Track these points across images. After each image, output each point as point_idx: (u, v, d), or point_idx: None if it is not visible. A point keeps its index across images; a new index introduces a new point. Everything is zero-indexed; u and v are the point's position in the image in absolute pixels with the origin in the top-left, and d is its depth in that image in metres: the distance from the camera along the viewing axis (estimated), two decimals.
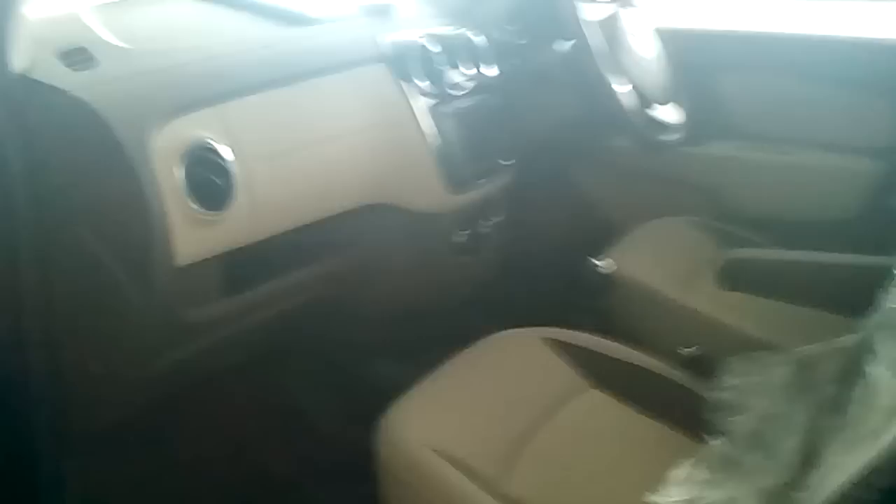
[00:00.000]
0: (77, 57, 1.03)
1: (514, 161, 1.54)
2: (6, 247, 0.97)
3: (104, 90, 0.99)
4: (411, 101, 1.34)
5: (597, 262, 1.43)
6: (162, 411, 1.19)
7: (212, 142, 1.02)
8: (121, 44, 1.08)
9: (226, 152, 1.03)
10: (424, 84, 1.35)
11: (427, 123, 1.35)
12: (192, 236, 1.01)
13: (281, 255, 1.18)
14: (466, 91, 1.44)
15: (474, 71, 1.45)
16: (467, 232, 1.48)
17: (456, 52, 1.42)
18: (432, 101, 1.37)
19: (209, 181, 1.00)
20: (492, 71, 1.49)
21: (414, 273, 1.44)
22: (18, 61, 0.98)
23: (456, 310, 1.55)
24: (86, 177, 0.98)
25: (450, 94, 1.40)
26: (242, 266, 1.13)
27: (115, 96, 0.99)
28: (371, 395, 1.12)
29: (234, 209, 1.04)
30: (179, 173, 0.98)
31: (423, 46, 1.37)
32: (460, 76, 1.43)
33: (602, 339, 1.21)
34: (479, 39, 1.48)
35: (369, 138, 1.28)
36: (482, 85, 1.46)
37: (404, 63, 1.34)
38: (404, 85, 1.34)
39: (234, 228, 1.06)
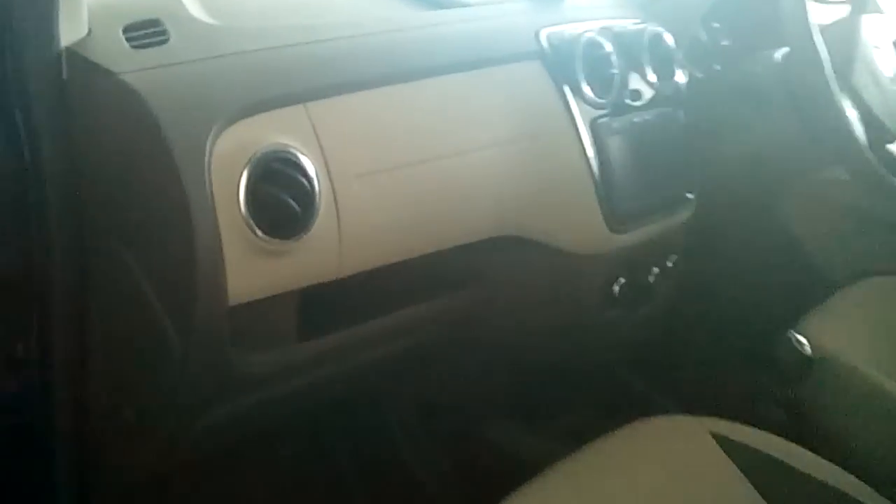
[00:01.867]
0: (145, 30, 0.79)
1: (695, 194, 1.18)
2: (35, 264, 0.74)
3: (162, 75, 0.74)
4: (572, 110, 1.02)
5: (797, 336, 1.05)
6: (207, 472, 0.94)
7: (293, 150, 0.75)
8: (206, 18, 0.84)
9: (309, 165, 0.76)
10: (591, 90, 1.03)
11: (589, 139, 1.04)
12: (252, 269, 0.75)
13: (375, 294, 0.90)
14: (644, 102, 1.11)
15: (656, 78, 1.10)
16: (626, 281, 1.13)
17: (635, 52, 1.10)
18: (598, 113, 1.05)
19: (280, 201, 0.73)
20: (679, 78, 1.13)
21: (549, 326, 1.12)
22: (71, 32, 0.75)
23: (601, 372, 1.21)
24: (130, 186, 0.74)
25: (622, 105, 1.08)
26: (322, 305, 0.86)
27: (173, 84, 0.74)
28: (487, 464, 0.82)
29: (312, 238, 0.77)
30: (242, 188, 0.72)
31: (594, 42, 1.04)
32: (638, 82, 1.11)
33: (793, 446, 0.89)
34: (666, 38, 1.12)
35: (511, 153, 0.98)
36: (664, 95, 1.13)
37: (568, 62, 1.03)
38: (566, 90, 1.03)
39: (311, 262, 0.79)
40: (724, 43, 1.33)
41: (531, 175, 1.00)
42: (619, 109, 1.08)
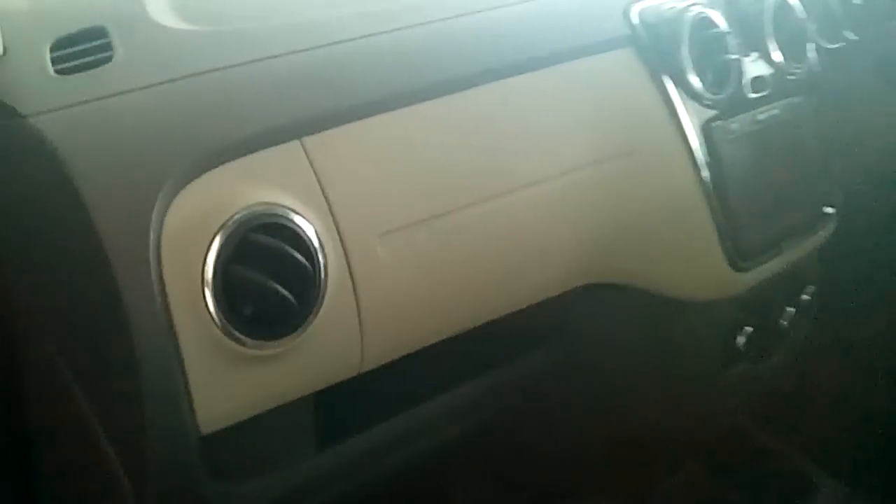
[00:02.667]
0: (82, 45, 0.56)
1: (836, 207, 0.89)
2: None
3: (90, 114, 0.51)
4: (679, 113, 0.76)
5: None
6: None
7: (284, 211, 0.51)
8: (172, 21, 0.60)
9: (308, 229, 0.51)
10: (702, 83, 0.76)
11: (702, 150, 0.76)
12: (232, 384, 0.52)
13: (421, 371, 0.66)
14: (768, 92, 0.82)
15: (782, 58, 0.82)
16: (753, 329, 0.85)
17: (755, 27, 0.83)
18: (712, 113, 0.78)
19: (265, 290, 0.48)
20: (812, 58, 0.84)
21: (653, 392, 0.85)
22: None
23: (723, 434, 0.94)
24: (55, 274, 0.51)
25: (742, 100, 0.81)
26: (350, 395, 0.62)
27: (105, 126, 0.50)
28: None
29: (317, 332, 0.53)
30: (208, 274, 0.48)
31: (703, 19, 0.76)
32: (761, 67, 0.83)
33: None
34: (793, 3, 0.84)
35: (598, 179, 0.72)
36: (793, 81, 0.85)
37: (670, 48, 0.76)
38: (669, 85, 0.76)
39: (317, 363, 0.55)
40: (857, 1, 1.03)
41: (626, 204, 0.73)
42: (738, 106, 0.80)
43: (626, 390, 0.85)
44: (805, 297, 0.93)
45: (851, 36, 1.06)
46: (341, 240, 0.54)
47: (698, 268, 0.78)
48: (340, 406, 0.64)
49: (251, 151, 0.52)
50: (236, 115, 0.53)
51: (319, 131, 0.55)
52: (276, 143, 0.53)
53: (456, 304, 0.62)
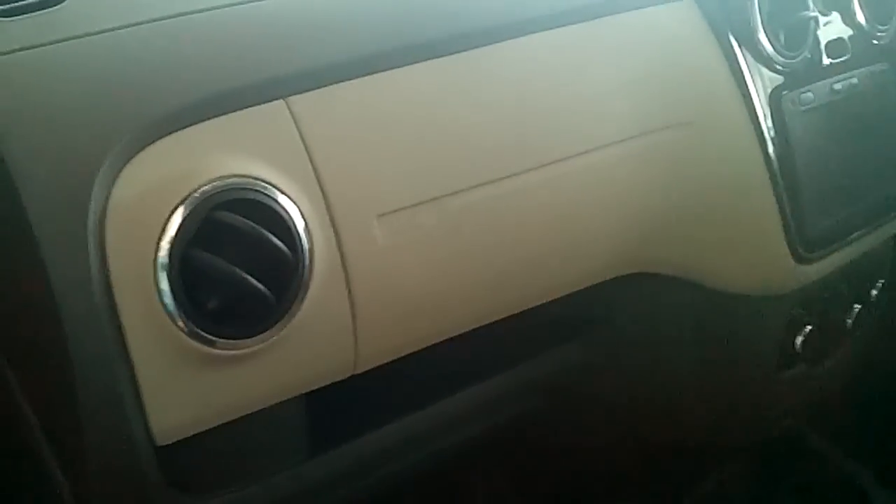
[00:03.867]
0: None
1: None
2: None
3: (25, 64, 0.41)
4: (745, 78, 0.63)
5: None
6: None
7: (262, 184, 0.41)
8: None
9: (290, 208, 0.41)
10: (773, 45, 0.63)
11: (769, 123, 0.64)
12: (194, 388, 0.42)
13: (435, 364, 0.55)
14: (848, 58, 0.69)
15: (865, 19, 0.69)
16: (814, 328, 0.73)
17: None
18: (783, 80, 0.65)
19: (234, 281, 0.39)
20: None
21: (702, 394, 0.73)
22: None
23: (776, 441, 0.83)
24: None
25: (818, 66, 0.69)
26: (349, 393, 0.52)
27: (38, 81, 0.40)
28: None
29: (301, 326, 0.44)
30: (161, 262, 0.38)
31: None
32: (841, 29, 0.70)
33: None
34: None
35: (646, 153, 0.60)
36: (878, 46, 0.72)
37: (736, 2, 0.62)
38: (735, 46, 0.64)
39: (301, 363, 0.46)
40: None
41: (678, 184, 0.61)
42: (813, 73, 0.68)
43: (667, 390, 0.74)
44: (874, 292, 0.80)
45: None
46: (332, 221, 0.44)
47: (757, 259, 0.66)
48: (342, 405, 0.54)
49: (223, 112, 0.42)
50: (206, 68, 0.42)
51: (310, 90, 0.44)
52: (255, 103, 0.43)
53: (469, 297, 0.52)
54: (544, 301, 0.58)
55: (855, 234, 0.71)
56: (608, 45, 0.58)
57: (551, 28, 0.56)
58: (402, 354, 0.50)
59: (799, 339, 0.73)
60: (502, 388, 0.66)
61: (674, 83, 0.61)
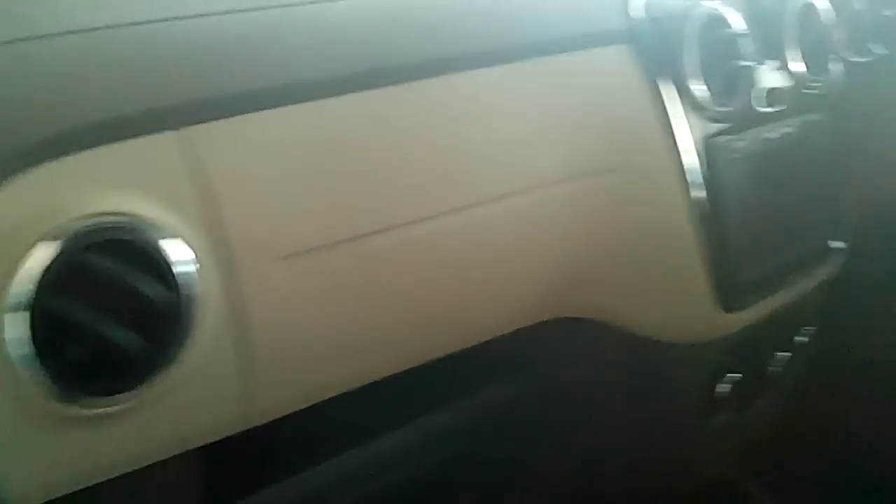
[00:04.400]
0: None
1: (847, 241, 0.75)
2: None
3: None
4: (676, 125, 0.61)
5: None
6: None
7: (145, 223, 0.37)
8: None
9: (180, 249, 0.38)
10: (708, 92, 0.62)
11: (700, 170, 0.63)
12: (50, 451, 0.39)
13: (345, 411, 0.52)
14: (784, 107, 0.68)
15: (804, 68, 0.68)
16: (740, 375, 0.72)
17: (774, 31, 0.69)
18: (717, 127, 0.64)
19: (98, 333, 0.35)
20: (834, 69, 0.69)
21: (626, 441, 0.71)
22: None
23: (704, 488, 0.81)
24: None
25: (753, 114, 0.67)
26: (251, 446, 0.49)
27: None
28: None
29: (186, 378, 0.41)
30: (15, 306, 0.34)
31: (715, 17, 0.62)
32: (778, 78, 0.68)
33: None
34: (820, 7, 0.69)
35: (572, 196, 0.58)
36: (812, 96, 0.71)
37: (673, 48, 0.62)
38: (667, 90, 0.62)
39: (185, 417, 0.42)
40: (888, 13, 0.89)
41: (605, 230, 0.60)
42: (747, 120, 0.66)
43: (594, 436, 0.72)
44: (801, 338, 0.79)
45: (880, 50, 0.92)
46: (229, 263, 0.41)
47: (682, 307, 0.64)
48: (241, 459, 0.51)
49: (108, 141, 0.38)
50: (91, 90, 0.39)
51: (209, 121, 0.41)
52: (146, 133, 0.39)
53: (382, 344, 0.49)
54: (463, 347, 0.56)
55: (782, 284, 0.71)
56: (537, 87, 0.56)
57: (480, 67, 0.53)
58: (308, 404, 0.47)
59: (723, 387, 0.71)
60: (422, 434, 0.63)
61: (604, 128, 0.59)
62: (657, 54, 0.61)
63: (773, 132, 0.69)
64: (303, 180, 0.44)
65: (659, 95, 0.61)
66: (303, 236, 0.44)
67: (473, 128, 0.52)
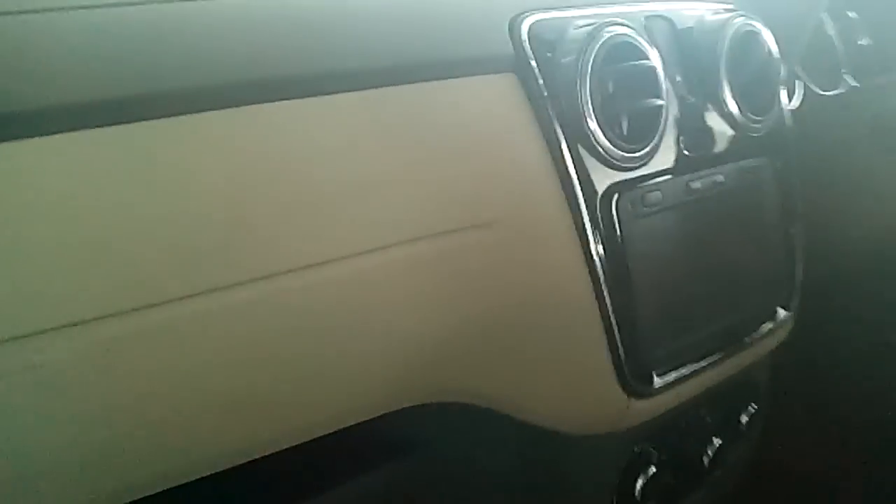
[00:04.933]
0: None
1: (795, 306, 0.64)
2: None
3: None
4: (570, 172, 0.51)
5: None
6: None
7: None
8: None
9: None
10: (611, 135, 0.52)
11: (599, 228, 0.52)
12: None
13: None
14: (717, 152, 0.60)
15: (738, 109, 0.60)
16: (658, 470, 0.60)
17: (704, 63, 0.58)
18: (622, 177, 0.54)
19: None
20: (783, 107, 0.62)
21: None
22: None
23: None
24: None
25: (673, 162, 0.57)
26: None
27: None
28: None
29: None
30: None
31: (625, 45, 0.52)
32: (709, 119, 0.60)
33: None
34: (766, 38, 0.59)
35: (438, 257, 0.47)
36: (754, 138, 0.62)
37: (568, 79, 0.50)
38: (560, 131, 0.50)
39: None
40: (863, 42, 0.80)
41: (478, 299, 0.49)
42: (663, 168, 0.55)
43: None
44: (743, 418, 0.68)
45: (851, 82, 0.82)
46: None
47: (579, 393, 0.53)
48: None
49: None
50: None
51: None
52: None
53: (199, 436, 0.37)
54: (291, 445, 0.44)
55: (711, 359, 0.59)
56: (395, 120, 0.45)
57: (329, 93, 0.43)
58: None
59: (641, 482, 0.59)
60: None
61: (480, 173, 0.48)
62: (550, 87, 0.51)
63: (700, 181, 0.58)
64: (42, 236, 0.33)
65: (549, 136, 0.50)
66: (88, 300, 0.33)
67: (306, 168, 0.41)
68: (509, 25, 0.51)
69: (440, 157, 0.47)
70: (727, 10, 0.62)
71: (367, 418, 0.47)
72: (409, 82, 0.47)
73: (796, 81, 0.82)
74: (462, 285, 0.47)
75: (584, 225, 0.51)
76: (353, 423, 0.46)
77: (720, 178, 0.59)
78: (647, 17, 0.57)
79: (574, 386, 0.53)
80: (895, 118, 0.69)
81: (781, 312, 0.65)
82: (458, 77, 0.49)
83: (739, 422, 0.67)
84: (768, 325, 0.64)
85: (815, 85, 0.83)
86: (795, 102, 0.82)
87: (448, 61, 0.49)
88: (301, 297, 0.42)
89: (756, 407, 0.68)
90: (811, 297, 0.74)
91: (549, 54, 0.51)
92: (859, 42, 0.95)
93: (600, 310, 0.51)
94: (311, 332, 0.42)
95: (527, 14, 0.51)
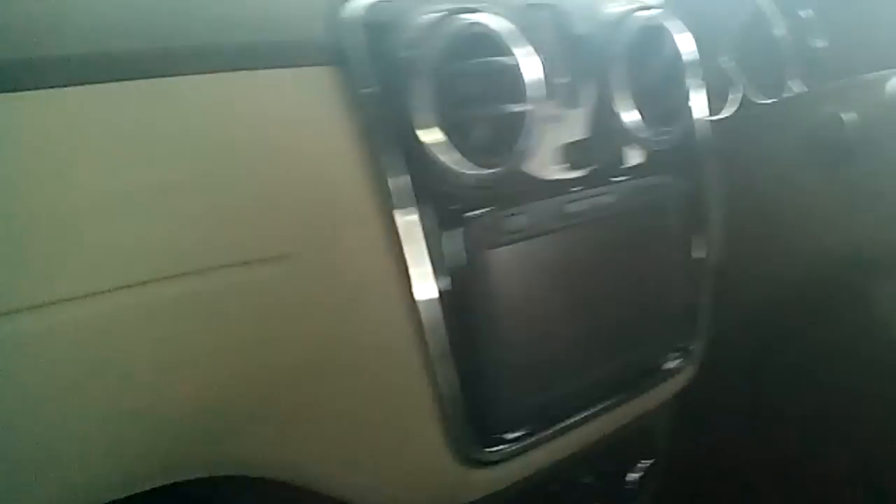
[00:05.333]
0: None
1: (700, 344, 0.54)
2: None
3: None
4: (394, 193, 0.41)
5: None
6: None
7: None
8: None
9: None
10: (459, 145, 0.41)
11: (434, 264, 0.41)
12: None
13: None
14: (593, 172, 0.49)
15: (640, 118, 0.50)
16: None
17: (598, 63, 0.49)
18: (464, 201, 0.44)
19: None
20: (693, 117, 0.54)
21: None
22: None
23: None
24: None
25: (543, 184, 0.47)
26: None
27: None
28: None
29: None
30: None
31: (481, 36, 0.41)
32: (598, 132, 0.48)
33: None
34: (680, 40, 0.50)
35: (212, 297, 0.36)
36: (655, 155, 0.53)
37: (401, 76, 0.40)
38: (389, 146, 0.40)
39: None
40: (818, 44, 0.73)
41: (268, 349, 0.38)
42: (526, 190, 0.46)
43: None
44: (632, 476, 0.59)
45: (798, 88, 0.73)
46: None
47: (400, 463, 0.43)
48: None
49: None
50: None
51: None
52: None
53: None
54: None
55: (576, 419, 0.50)
56: (163, 120, 0.35)
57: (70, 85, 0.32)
58: None
59: None
60: None
61: (273, 192, 0.38)
62: (381, 85, 0.40)
63: (577, 204, 0.48)
64: None
65: (379, 147, 0.40)
66: None
67: (28, 179, 0.31)
68: (331, 10, 0.40)
69: (223, 170, 0.36)
70: (632, 2, 0.51)
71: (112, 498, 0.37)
72: (193, 72, 0.37)
73: (734, 87, 0.73)
74: (241, 335, 0.37)
75: (412, 260, 0.41)
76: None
77: (609, 199, 0.49)
78: (528, 6, 0.47)
79: (395, 456, 0.43)
80: (830, 129, 0.60)
81: (679, 356, 0.55)
82: (261, 68, 0.38)
83: (626, 482, 0.58)
84: (662, 373, 0.55)
85: (754, 91, 0.74)
86: (729, 111, 0.72)
87: (251, 47, 0.38)
88: (15, 347, 0.32)
89: (649, 462, 0.59)
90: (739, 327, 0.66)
91: (382, 44, 0.41)
92: (813, 44, 0.86)
93: (426, 364, 0.41)
94: (27, 394, 0.32)
95: None
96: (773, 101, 0.73)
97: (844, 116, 0.59)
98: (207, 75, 0.37)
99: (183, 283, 0.35)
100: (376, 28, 0.41)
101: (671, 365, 0.55)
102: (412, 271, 0.40)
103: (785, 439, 0.76)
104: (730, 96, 0.72)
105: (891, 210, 0.60)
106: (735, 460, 0.78)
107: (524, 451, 0.46)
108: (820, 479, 0.75)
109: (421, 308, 0.41)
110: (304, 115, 0.39)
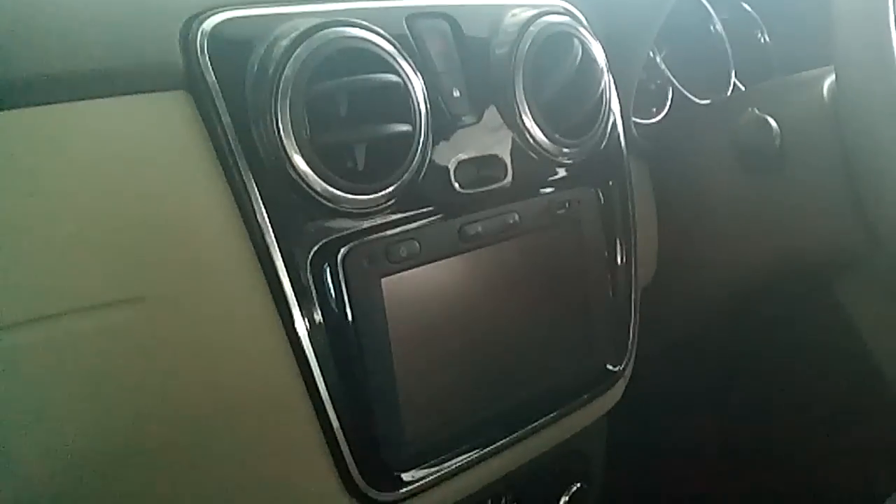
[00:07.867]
0: None
1: (617, 376, 0.53)
2: None
3: None
4: (267, 231, 0.37)
5: None
6: None
7: None
8: None
9: None
10: (328, 176, 0.37)
11: (311, 297, 0.38)
12: None
13: None
14: (505, 188, 0.45)
15: (542, 134, 0.47)
16: None
17: (496, 77, 0.46)
18: (348, 229, 0.40)
19: None
20: (604, 130, 0.49)
21: None
22: None
23: None
24: None
25: (441, 204, 0.44)
26: None
27: None
28: None
29: None
30: None
31: (361, 52, 0.38)
32: (502, 145, 0.45)
33: None
34: (592, 49, 0.47)
35: (63, 350, 0.33)
36: (561, 171, 0.49)
37: (261, 102, 0.36)
38: (250, 175, 0.36)
39: None
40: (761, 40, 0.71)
41: (138, 394, 0.35)
42: (425, 210, 0.41)
43: None
44: (563, 501, 0.55)
45: (740, 86, 0.70)
46: None
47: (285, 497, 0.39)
48: None
49: None
50: None
51: None
52: None
53: None
54: None
55: (479, 453, 0.46)
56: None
57: None
58: None
59: None
60: None
61: (124, 228, 0.34)
62: (237, 110, 0.37)
63: (482, 223, 0.44)
64: None
65: (238, 177, 0.36)
66: None
67: None
68: (183, 27, 0.37)
69: (65, 208, 0.33)
70: (535, 7, 0.47)
71: None
72: (34, 104, 0.33)
73: (671, 88, 0.69)
74: (104, 381, 0.34)
75: (287, 294, 0.37)
76: None
77: (513, 218, 0.46)
78: (410, 17, 0.43)
79: (289, 501, 0.39)
80: (756, 134, 0.56)
81: (603, 377, 0.51)
82: (110, 96, 0.35)
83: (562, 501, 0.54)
84: (586, 395, 0.51)
85: (691, 90, 0.70)
86: (659, 114, 0.68)
87: (100, 73, 0.35)
88: None
89: (582, 486, 0.55)
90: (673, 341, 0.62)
91: (237, 66, 0.37)
92: (756, 39, 0.82)
93: (313, 405, 0.38)
94: None
95: (211, 12, 0.37)
96: (705, 102, 0.70)
97: (772, 120, 0.55)
98: (48, 106, 0.33)
99: (29, 331, 0.32)
100: (233, 46, 0.37)
101: (596, 386, 0.51)
102: (292, 308, 0.37)
103: (725, 458, 0.72)
104: (667, 97, 0.69)
105: (825, 214, 0.56)
106: (678, 481, 0.74)
107: (428, 487, 0.42)
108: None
109: (303, 344, 0.37)
110: (157, 145, 0.35)
